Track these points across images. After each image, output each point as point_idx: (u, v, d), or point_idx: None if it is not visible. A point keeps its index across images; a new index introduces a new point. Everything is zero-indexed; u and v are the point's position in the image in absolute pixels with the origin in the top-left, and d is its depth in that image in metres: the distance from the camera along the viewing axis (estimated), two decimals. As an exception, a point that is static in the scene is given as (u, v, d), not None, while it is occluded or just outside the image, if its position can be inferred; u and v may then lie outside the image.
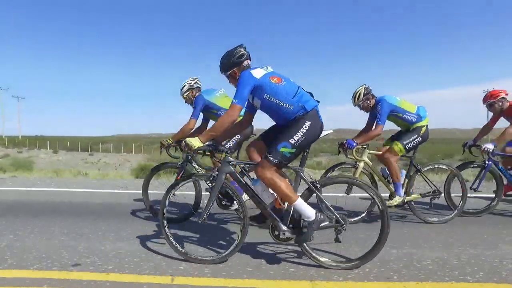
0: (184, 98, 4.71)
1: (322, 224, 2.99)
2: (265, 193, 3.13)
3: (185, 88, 4.66)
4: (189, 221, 4.43)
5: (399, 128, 4.97)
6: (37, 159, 28.19)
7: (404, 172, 4.77)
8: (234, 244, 3.11)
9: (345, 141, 4.66)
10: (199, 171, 4.38)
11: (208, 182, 3.18)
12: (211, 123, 4.80)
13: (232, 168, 3.18)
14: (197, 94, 4.62)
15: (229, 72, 3.18)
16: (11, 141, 58.86)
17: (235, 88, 3.10)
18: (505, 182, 5.04)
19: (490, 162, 4.83)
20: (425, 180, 4.80)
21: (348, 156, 4.67)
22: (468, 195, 4.68)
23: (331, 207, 3.06)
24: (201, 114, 4.59)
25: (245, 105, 3.16)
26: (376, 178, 4.82)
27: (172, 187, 3.19)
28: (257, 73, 3.02)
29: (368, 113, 4.93)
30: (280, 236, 3.13)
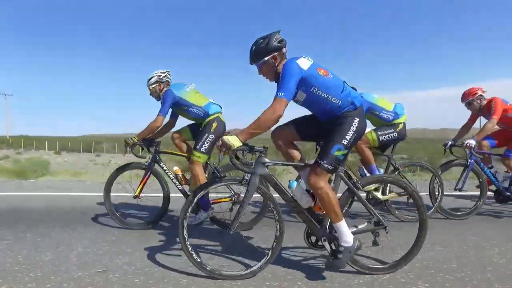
0: (150, 90, 4.23)
1: (361, 227, 2.75)
2: (304, 197, 2.75)
3: (153, 80, 4.17)
4: (207, 232, 3.88)
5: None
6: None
7: (381, 171, 4.53)
8: (266, 257, 2.72)
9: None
10: (167, 171, 4.07)
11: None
12: (181, 119, 4.40)
13: (267, 170, 2.72)
14: (166, 88, 4.17)
15: (267, 58, 2.69)
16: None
17: (267, 79, 2.77)
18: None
19: (472, 160, 4.66)
20: (403, 178, 4.56)
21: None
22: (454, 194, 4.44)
23: (372, 208, 2.79)
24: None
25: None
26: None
27: (197, 193, 2.73)
28: (303, 63, 2.62)
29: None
30: (318, 243, 2.78)
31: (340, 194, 2.83)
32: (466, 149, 4.67)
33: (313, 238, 2.81)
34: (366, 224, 2.81)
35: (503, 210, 5.07)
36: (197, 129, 4.13)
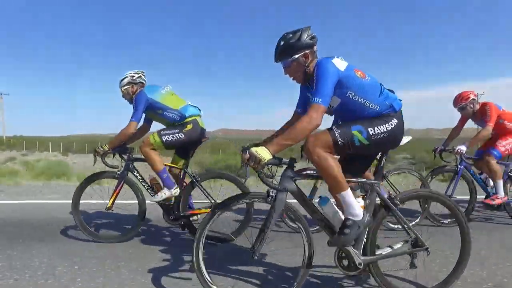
0: (122, 92, 3.89)
1: (397, 248, 2.42)
2: (337, 217, 2.41)
3: (126, 81, 3.84)
4: (225, 253, 3.41)
5: None
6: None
7: None
8: (296, 281, 2.38)
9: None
10: (142, 181, 3.81)
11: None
12: (155, 124, 4.09)
13: (296, 185, 2.36)
14: (139, 90, 3.80)
15: (297, 56, 2.36)
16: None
17: (293, 80, 2.47)
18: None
19: (462, 166, 4.47)
20: (390, 185, 4.41)
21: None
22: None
23: (411, 227, 2.47)
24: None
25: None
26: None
27: (217, 209, 2.39)
28: (339, 63, 2.29)
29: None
30: (352, 267, 2.38)
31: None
32: (456, 155, 4.47)
33: (346, 262, 2.44)
34: (401, 244, 2.46)
35: (493, 216, 4.85)
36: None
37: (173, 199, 3.79)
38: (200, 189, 3.78)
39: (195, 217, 3.96)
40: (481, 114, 4.55)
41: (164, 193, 3.66)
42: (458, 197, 4.52)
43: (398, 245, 2.47)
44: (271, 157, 2.13)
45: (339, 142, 2.26)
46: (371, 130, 2.29)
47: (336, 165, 2.26)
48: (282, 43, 2.39)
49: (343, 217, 2.38)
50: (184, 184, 3.83)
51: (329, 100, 2.22)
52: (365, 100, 2.33)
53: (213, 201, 3.81)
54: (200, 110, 3.92)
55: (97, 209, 4.65)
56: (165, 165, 3.77)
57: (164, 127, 3.83)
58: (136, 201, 3.76)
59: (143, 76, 3.93)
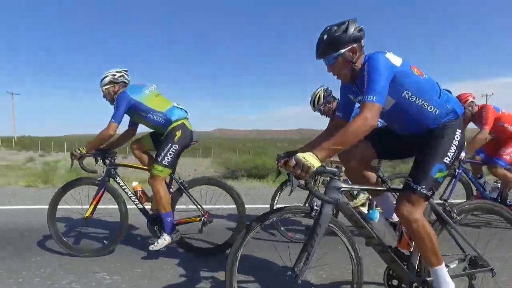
0: (103, 91, 3.60)
1: (453, 267, 2.16)
2: (389, 233, 2.21)
3: (106, 80, 3.56)
4: (263, 276, 3.04)
5: None
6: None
7: None
8: None
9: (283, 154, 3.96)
10: (124, 188, 3.55)
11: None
12: (141, 128, 3.83)
13: (343, 197, 2.08)
14: (121, 90, 3.52)
15: (343, 50, 2.08)
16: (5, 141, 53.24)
17: (338, 78, 2.21)
18: (474, 192, 4.53)
19: (460, 171, 4.31)
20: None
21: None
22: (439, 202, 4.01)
23: (472, 244, 2.20)
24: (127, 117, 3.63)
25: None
26: None
27: (256, 224, 2.11)
28: (393, 58, 2.01)
29: (330, 118, 4.34)
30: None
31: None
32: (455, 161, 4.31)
33: (396, 282, 2.23)
34: (457, 263, 2.19)
35: (491, 221, 4.60)
36: (159, 137, 3.60)
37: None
38: (188, 196, 3.56)
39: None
40: (479, 117, 4.39)
41: (165, 240, 3.36)
42: (452, 200, 4.33)
43: (454, 265, 2.20)
44: (320, 164, 1.83)
45: (430, 194, 2.04)
46: (447, 159, 2.03)
47: (434, 236, 2.04)
48: (325, 37, 2.10)
49: (394, 234, 2.18)
50: (171, 190, 3.62)
51: (384, 99, 1.93)
52: (423, 102, 2.05)
53: (201, 209, 3.58)
54: (187, 112, 3.67)
55: (76, 216, 4.35)
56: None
57: (156, 152, 3.58)
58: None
59: (125, 75, 3.66)
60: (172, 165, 3.47)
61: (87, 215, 3.49)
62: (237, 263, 2.05)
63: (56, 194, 3.53)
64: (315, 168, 1.80)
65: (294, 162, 1.82)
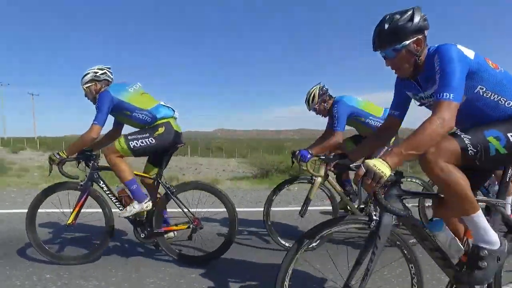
0: (84, 90, 3.36)
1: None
2: (454, 244, 1.98)
3: (87, 78, 3.32)
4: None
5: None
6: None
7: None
8: None
9: (298, 151, 3.77)
10: (108, 193, 3.30)
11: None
12: (126, 128, 3.58)
13: (403, 205, 1.84)
14: (103, 89, 3.30)
15: (408, 42, 1.84)
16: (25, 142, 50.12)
17: (397, 73, 2.00)
18: None
19: None
20: None
21: (303, 168, 3.75)
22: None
23: None
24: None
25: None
26: (337, 197, 3.80)
27: (310, 237, 1.87)
28: (465, 50, 1.79)
29: (327, 117, 4.13)
30: None
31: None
32: None
33: None
34: None
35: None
36: None
37: (145, 213, 3.35)
38: (176, 202, 3.31)
39: (171, 234, 3.57)
40: None
41: (134, 207, 3.21)
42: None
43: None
44: (390, 172, 1.60)
45: (470, 151, 1.73)
46: (510, 134, 1.75)
47: (465, 181, 1.74)
48: (386, 26, 1.85)
49: (459, 246, 1.95)
50: (158, 196, 3.41)
51: (461, 95, 1.69)
52: (499, 97, 1.82)
53: (190, 215, 3.34)
54: (174, 111, 3.42)
55: (58, 222, 4.13)
56: (136, 174, 3.34)
57: (133, 130, 3.36)
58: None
59: (108, 73, 3.40)
60: (137, 154, 3.25)
61: (69, 222, 3.25)
62: (288, 278, 1.83)
63: (36, 198, 3.28)
64: (387, 177, 1.57)
65: (365, 169, 1.59)
